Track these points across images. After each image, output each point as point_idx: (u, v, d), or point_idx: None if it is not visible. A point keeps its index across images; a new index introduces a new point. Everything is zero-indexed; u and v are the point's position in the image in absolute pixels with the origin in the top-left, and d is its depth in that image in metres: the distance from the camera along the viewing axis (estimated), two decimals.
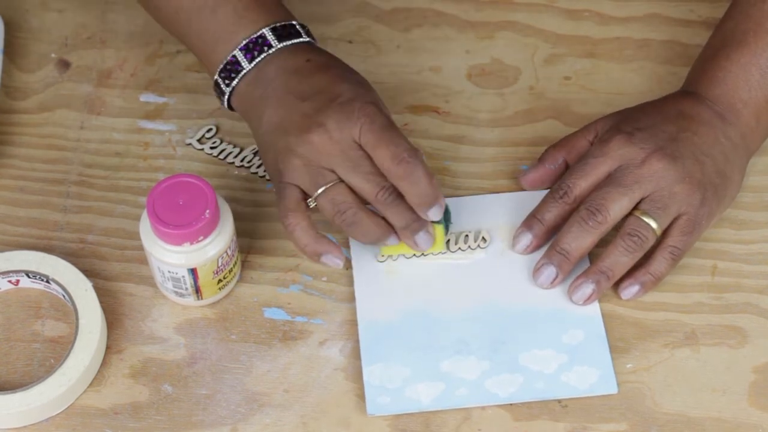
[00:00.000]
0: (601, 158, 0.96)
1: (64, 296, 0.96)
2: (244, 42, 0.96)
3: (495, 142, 1.05)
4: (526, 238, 0.97)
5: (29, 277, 0.96)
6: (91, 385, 0.94)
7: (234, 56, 0.96)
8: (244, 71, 0.96)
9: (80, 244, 1.00)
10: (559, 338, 0.95)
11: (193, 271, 0.93)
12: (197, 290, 0.95)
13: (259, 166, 1.03)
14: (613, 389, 0.93)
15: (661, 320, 0.96)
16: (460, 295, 0.97)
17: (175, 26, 0.99)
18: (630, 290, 0.96)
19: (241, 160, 1.04)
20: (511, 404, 0.93)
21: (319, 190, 0.93)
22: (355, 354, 0.95)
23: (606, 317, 0.96)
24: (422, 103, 1.07)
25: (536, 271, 0.96)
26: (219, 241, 0.92)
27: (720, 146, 0.97)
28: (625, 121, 0.98)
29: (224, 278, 0.95)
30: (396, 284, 0.97)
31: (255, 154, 1.04)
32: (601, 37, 1.10)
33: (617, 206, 0.94)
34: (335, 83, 0.94)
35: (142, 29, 1.11)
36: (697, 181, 0.95)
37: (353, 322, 0.96)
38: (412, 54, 1.10)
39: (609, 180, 0.95)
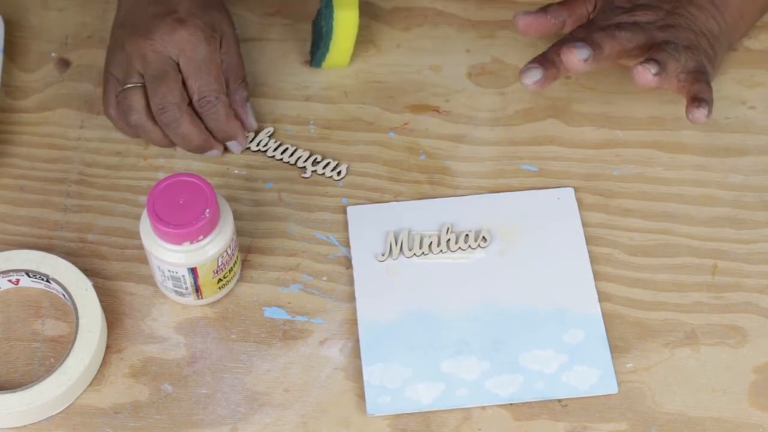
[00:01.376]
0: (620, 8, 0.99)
1: (64, 295, 0.96)
2: None
3: (495, 142, 1.05)
4: (537, 74, 0.97)
5: (29, 276, 0.96)
6: (91, 384, 0.94)
7: None
8: None
9: (80, 244, 1.00)
10: (560, 338, 0.95)
11: (193, 271, 0.93)
12: (197, 289, 0.95)
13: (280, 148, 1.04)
14: (613, 389, 0.93)
15: (661, 320, 0.96)
16: (461, 294, 0.97)
17: None
18: (701, 111, 0.96)
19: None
20: (511, 404, 0.93)
21: (123, 87, 1.00)
22: (356, 353, 0.95)
23: (606, 317, 0.96)
24: (422, 103, 1.07)
25: (569, 49, 0.95)
26: (219, 241, 0.92)
27: (711, 26, 1.00)
28: None
29: (224, 278, 0.95)
30: (396, 284, 0.97)
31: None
32: None
33: (644, 23, 0.98)
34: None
35: None
36: (695, 46, 0.99)
37: (353, 322, 0.96)
38: (412, 53, 1.10)
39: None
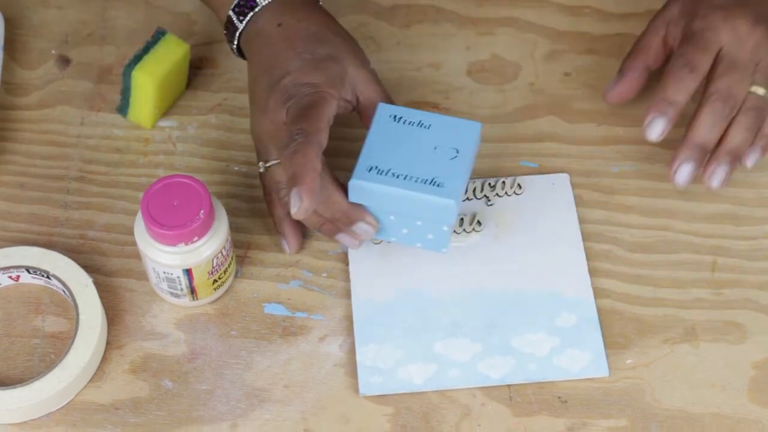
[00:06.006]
0: (714, 31, 0.96)
1: (64, 292, 0.96)
2: (236, 1, 0.97)
3: (495, 139, 1.05)
4: (662, 123, 0.95)
5: (30, 272, 0.97)
6: (91, 380, 0.94)
7: (229, 16, 0.98)
8: (239, 30, 0.97)
9: (80, 240, 1.00)
10: (552, 321, 0.95)
11: (188, 272, 0.93)
12: (192, 291, 0.95)
13: None
14: (604, 372, 0.93)
15: (660, 316, 0.96)
16: (455, 277, 0.97)
17: None
18: (753, 157, 0.97)
19: None
20: (511, 400, 0.93)
21: (261, 169, 0.96)
22: (355, 350, 0.95)
23: (605, 313, 0.96)
24: (422, 100, 1.07)
25: (676, 171, 0.96)
26: (214, 242, 0.92)
27: None
28: None
29: (219, 278, 0.95)
30: (391, 265, 0.98)
31: None
32: (601, 34, 1.10)
33: (743, 88, 0.96)
34: (289, 59, 0.94)
35: (142, 26, 1.11)
36: None
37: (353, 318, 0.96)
38: (412, 50, 1.10)
39: (727, 62, 0.96)
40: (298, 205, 0.88)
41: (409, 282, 0.97)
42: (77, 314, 0.94)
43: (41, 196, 1.02)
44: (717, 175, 0.96)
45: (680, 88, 0.96)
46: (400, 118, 0.94)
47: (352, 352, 0.95)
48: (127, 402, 0.93)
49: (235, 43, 0.98)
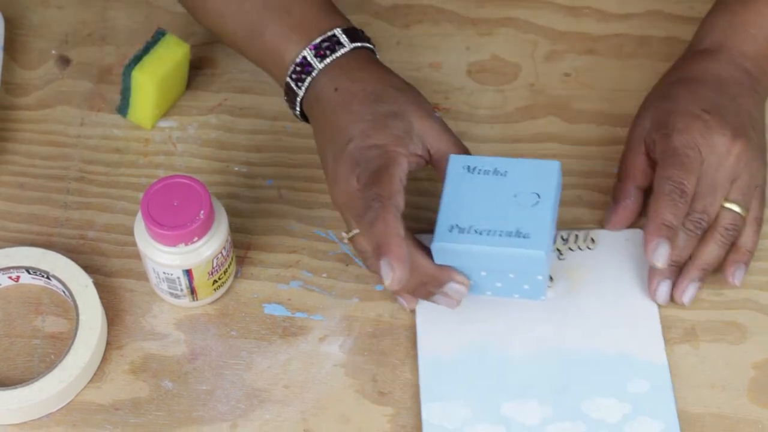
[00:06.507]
0: (695, 149, 0.93)
1: (64, 292, 0.96)
2: (292, 67, 0.94)
3: (495, 139, 1.05)
4: (666, 248, 0.91)
5: (30, 273, 0.97)
6: (91, 381, 0.94)
7: (287, 83, 0.94)
8: (299, 96, 0.94)
9: (80, 241, 1.00)
10: (624, 386, 0.91)
11: (188, 272, 0.93)
12: (192, 291, 0.95)
13: None
14: None
15: (660, 316, 0.96)
16: (524, 334, 0.94)
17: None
18: (739, 274, 0.95)
19: None
20: None
21: (345, 240, 0.94)
22: (355, 350, 0.95)
23: None
24: None
25: (655, 290, 0.94)
26: (214, 242, 0.92)
27: (756, 104, 0.97)
28: (684, 103, 0.95)
29: (219, 279, 0.95)
30: (459, 320, 0.94)
31: None
32: (601, 34, 1.10)
33: (717, 206, 0.94)
34: (349, 124, 0.91)
35: (142, 26, 1.11)
36: (762, 152, 0.96)
37: (353, 318, 0.96)
38: (411, 51, 1.10)
39: (705, 181, 0.93)
40: (391, 276, 0.85)
41: (477, 337, 0.93)
42: (77, 314, 0.94)
43: (41, 196, 1.02)
44: (689, 292, 0.94)
45: (675, 213, 0.92)
46: (474, 168, 0.90)
47: (352, 352, 0.95)
48: (127, 402, 0.93)
49: (298, 109, 0.95)
